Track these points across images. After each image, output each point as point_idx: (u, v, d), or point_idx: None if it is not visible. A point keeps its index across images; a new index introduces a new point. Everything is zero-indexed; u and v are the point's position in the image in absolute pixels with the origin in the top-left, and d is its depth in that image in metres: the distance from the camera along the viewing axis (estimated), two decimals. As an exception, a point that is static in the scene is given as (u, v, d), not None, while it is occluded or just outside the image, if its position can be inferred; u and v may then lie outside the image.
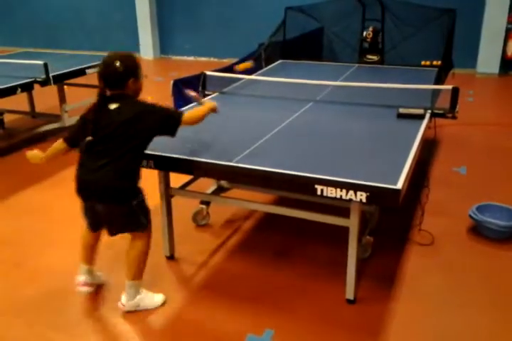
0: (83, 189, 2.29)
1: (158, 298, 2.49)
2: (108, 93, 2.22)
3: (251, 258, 2.89)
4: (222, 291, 2.60)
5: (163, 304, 2.49)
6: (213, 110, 2.50)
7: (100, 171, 2.19)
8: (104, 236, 2.50)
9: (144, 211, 2.35)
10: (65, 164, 4.28)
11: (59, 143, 2.39)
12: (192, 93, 2.76)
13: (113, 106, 2.20)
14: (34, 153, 2.45)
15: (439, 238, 3.05)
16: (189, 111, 2.39)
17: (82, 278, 2.54)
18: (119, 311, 2.46)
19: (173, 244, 2.87)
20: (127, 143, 2.18)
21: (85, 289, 2.54)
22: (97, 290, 2.63)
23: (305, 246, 3.01)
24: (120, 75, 2.18)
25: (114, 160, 2.18)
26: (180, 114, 2.32)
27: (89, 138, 2.22)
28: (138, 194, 2.31)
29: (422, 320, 2.38)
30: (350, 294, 2.48)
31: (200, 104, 2.65)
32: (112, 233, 2.39)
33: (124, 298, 2.43)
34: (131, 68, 2.22)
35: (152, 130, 2.24)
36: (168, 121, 2.27)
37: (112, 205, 2.27)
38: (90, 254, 2.54)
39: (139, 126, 2.18)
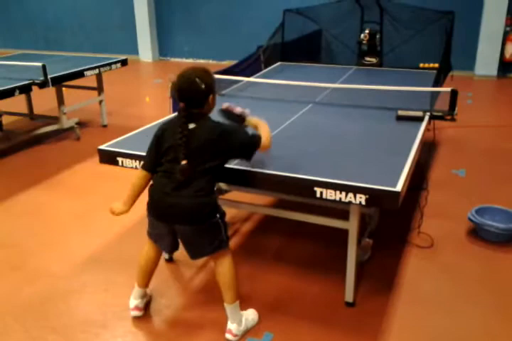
0: (163, 212, 2.17)
1: (253, 313, 2.39)
2: (185, 112, 2.10)
3: (250, 261, 2.88)
4: (221, 293, 2.59)
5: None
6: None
7: (182, 192, 2.09)
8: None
9: (225, 225, 2.24)
10: (62, 166, 4.29)
11: (140, 178, 2.22)
12: (238, 109, 2.39)
13: (191, 125, 2.09)
14: (118, 209, 2.28)
15: (439, 240, 3.04)
16: (262, 136, 2.23)
17: (135, 302, 2.43)
18: (120, 314, 2.45)
19: (172, 247, 2.86)
20: (208, 163, 2.10)
21: (136, 313, 2.43)
22: (96, 292, 2.62)
23: (304, 249, 3.00)
24: (202, 92, 2.09)
25: (196, 179, 2.09)
26: (259, 138, 2.21)
27: (185, 162, 2.05)
28: (219, 207, 2.23)
29: (422, 323, 2.38)
30: (349, 297, 2.47)
31: (244, 122, 2.37)
32: (194, 256, 2.30)
33: (232, 326, 2.26)
34: (210, 84, 2.13)
35: (232, 151, 2.17)
36: (247, 146, 2.19)
37: (196, 226, 2.16)
38: (148, 277, 2.43)
39: (221, 147, 2.11)
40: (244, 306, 2.37)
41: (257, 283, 2.69)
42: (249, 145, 2.19)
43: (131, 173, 2.33)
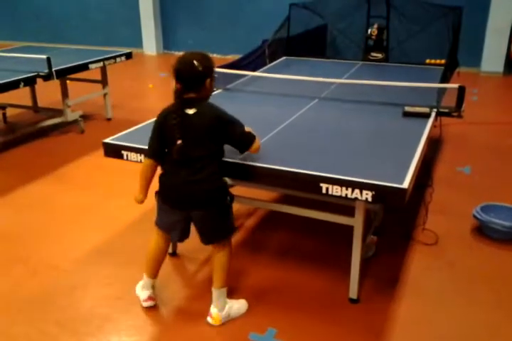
0: (176, 199, 2.20)
1: (242, 303, 2.43)
2: (184, 96, 2.13)
3: (254, 256, 2.88)
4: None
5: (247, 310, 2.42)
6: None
7: (194, 177, 2.13)
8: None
9: (232, 212, 2.32)
10: (66, 159, 4.28)
11: (147, 166, 2.24)
12: None
13: (191, 111, 2.12)
14: (137, 198, 2.32)
15: (443, 238, 3.03)
16: (257, 138, 2.27)
17: (147, 293, 2.44)
18: (124, 307, 2.45)
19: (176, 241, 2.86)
20: (211, 148, 2.14)
21: (150, 303, 2.44)
22: (99, 286, 2.62)
23: (308, 245, 3.00)
24: (200, 75, 2.11)
25: (205, 164, 2.13)
26: (254, 139, 2.24)
27: (179, 142, 2.10)
28: (228, 190, 2.27)
29: (426, 320, 2.37)
30: (353, 293, 2.46)
31: None
32: (210, 241, 2.32)
33: (213, 310, 2.32)
34: (209, 67, 2.15)
35: (231, 140, 2.21)
36: (245, 139, 2.23)
37: (210, 209, 2.21)
38: (158, 268, 2.44)
39: (221, 134, 2.15)
40: (249, 302, 2.37)
41: (261, 278, 2.68)
42: (247, 139, 2.23)
43: (136, 167, 2.33)
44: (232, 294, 2.51)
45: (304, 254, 2.90)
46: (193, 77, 2.12)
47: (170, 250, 2.85)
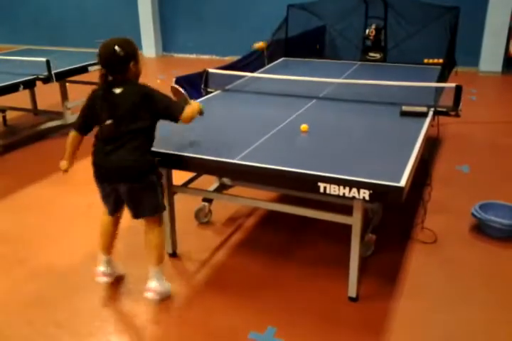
0: (104, 172, 2.33)
1: (168, 285, 2.55)
2: (110, 78, 2.26)
3: (253, 256, 2.89)
4: (225, 288, 2.60)
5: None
6: (200, 113, 2.50)
7: (118, 152, 2.25)
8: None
9: (162, 189, 2.43)
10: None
11: (72, 137, 2.42)
12: (181, 89, 2.68)
13: (118, 90, 2.25)
14: (63, 166, 2.49)
15: (442, 236, 3.04)
16: (187, 109, 2.38)
17: (102, 268, 2.56)
18: (123, 308, 2.46)
19: (176, 241, 2.87)
20: (138, 124, 2.25)
21: (104, 279, 2.56)
22: (100, 287, 2.63)
23: (307, 244, 3.01)
24: (121, 59, 2.23)
25: (129, 140, 2.25)
26: (182, 109, 2.35)
27: (109, 121, 2.24)
28: (156, 169, 2.37)
29: (425, 318, 2.38)
30: (352, 292, 2.48)
31: (186, 103, 2.51)
32: (137, 215, 2.42)
33: (152, 283, 2.44)
34: (131, 52, 2.27)
35: (157, 113, 2.31)
36: (171, 110, 2.34)
37: (134, 184, 2.31)
38: (110, 243, 2.57)
39: (146, 109, 2.26)
40: (248, 301, 2.38)
41: (260, 277, 2.69)
42: (173, 110, 2.33)
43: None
44: (231, 293, 2.52)
45: (303, 253, 2.91)
46: (114, 63, 2.23)
47: (170, 250, 2.87)
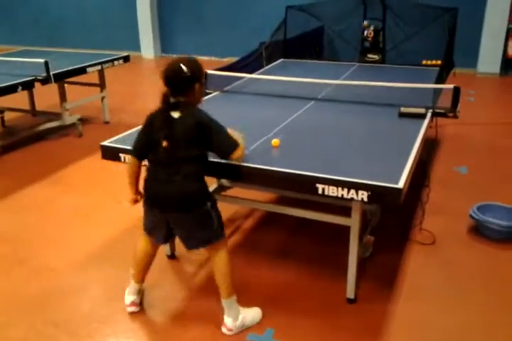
0: (160, 201, 2.19)
1: (254, 311, 2.38)
2: (172, 100, 2.13)
3: (251, 257, 2.89)
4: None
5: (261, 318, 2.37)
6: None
7: (175, 178, 2.12)
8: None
9: (218, 214, 2.27)
10: (64, 162, 4.29)
11: (132, 166, 2.27)
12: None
13: (176, 114, 2.13)
14: (129, 198, 2.34)
15: (440, 238, 3.05)
16: (239, 150, 2.19)
17: (132, 298, 2.44)
18: (123, 310, 2.46)
19: (174, 243, 2.87)
20: (193, 151, 2.13)
21: (133, 309, 2.44)
22: (98, 288, 2.63)
23: (306, 245, 3.01)
24: (187, 79, 2.11)
25: (186, 166, 2.13)
26: (234, 148, 2.17)
27: (165, 144, 2.11)
28: (211, 195, 2.26)
29: (423, 320, 2.38)
30: (350, 293, 2.48)
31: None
32: (190, 246, 2.29)
33: (228, 320, 2.28)
34: (197, 73, 2.16)
35: (209, 147, 2.18)
36: (224, 149, 2.19)
37: (188, 213, 2.18)
38: (144, 273, 2.45)
39: (201, 139, 2.13)
40: (246, 302, 2.38)
41: (259, 279, 2.69)
42: (227, 147, 2.18)
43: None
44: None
45: (301, 255, 2.91)
46: (179, 81, 2.12)
47: (168, 252, 2.87)
